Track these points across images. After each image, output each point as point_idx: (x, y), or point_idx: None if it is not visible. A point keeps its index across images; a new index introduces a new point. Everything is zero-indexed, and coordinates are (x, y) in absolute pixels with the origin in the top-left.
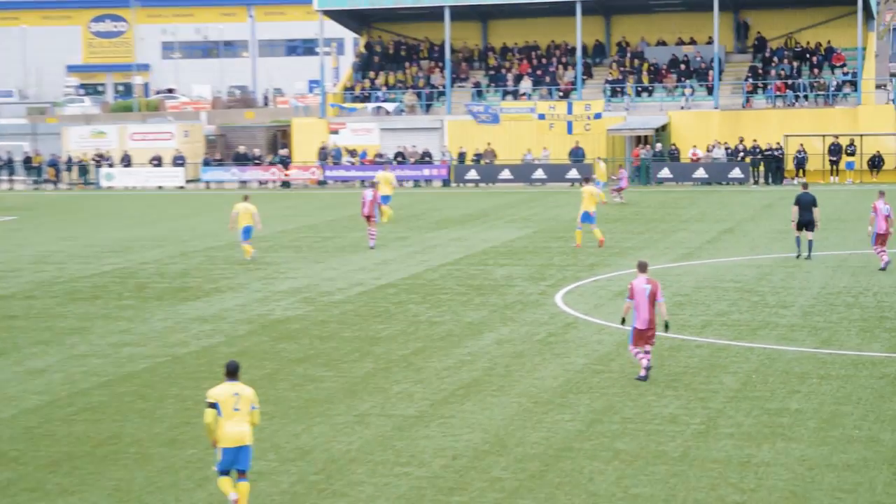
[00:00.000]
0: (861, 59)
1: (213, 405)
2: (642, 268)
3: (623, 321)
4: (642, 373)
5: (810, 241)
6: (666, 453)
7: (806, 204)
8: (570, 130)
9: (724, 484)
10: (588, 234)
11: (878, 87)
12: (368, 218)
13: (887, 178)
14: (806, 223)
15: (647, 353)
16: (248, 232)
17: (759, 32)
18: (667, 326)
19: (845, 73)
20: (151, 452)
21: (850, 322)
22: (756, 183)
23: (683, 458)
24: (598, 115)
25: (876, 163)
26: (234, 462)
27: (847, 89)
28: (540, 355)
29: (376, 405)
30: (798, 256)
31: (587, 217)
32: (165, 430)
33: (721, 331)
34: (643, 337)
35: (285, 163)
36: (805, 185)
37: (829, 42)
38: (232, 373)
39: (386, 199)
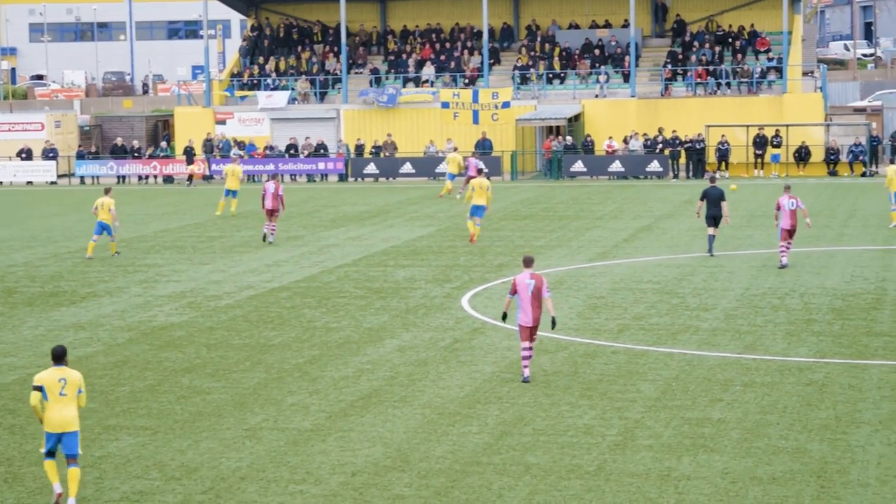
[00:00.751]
0: (787, 43)
1: (39, 388)
2: (527, 262)
3: (504, 317)
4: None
5: (711, 237)
6: (580, 467)
7: (714, 198)
8: (476, 120)
9: (643, 499)
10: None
11: (805, 73)
12: (271, 213)
13: (815, 172)
14: (713, 218)
15: (529, 349)
16: (104, 228)
17: (678, 15)
18: (553, 323)
19: (770, 59)
20: (23, 472)
21: (776, 325)
22: (676, 176)
23: (599, 472)
24: (506, 104)
25: (802, 155)
26: (62, 447)
27: (772, 76)
28: (445, 363)
29: (268, 418)
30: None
31: (476, 210)
32: (38, 447)
33: (639, 335)
34: (529, 334)
35: (190, 155)
36: (713, 179)
37: (752, 26)
38: (58, 357)
39: (233, 193)
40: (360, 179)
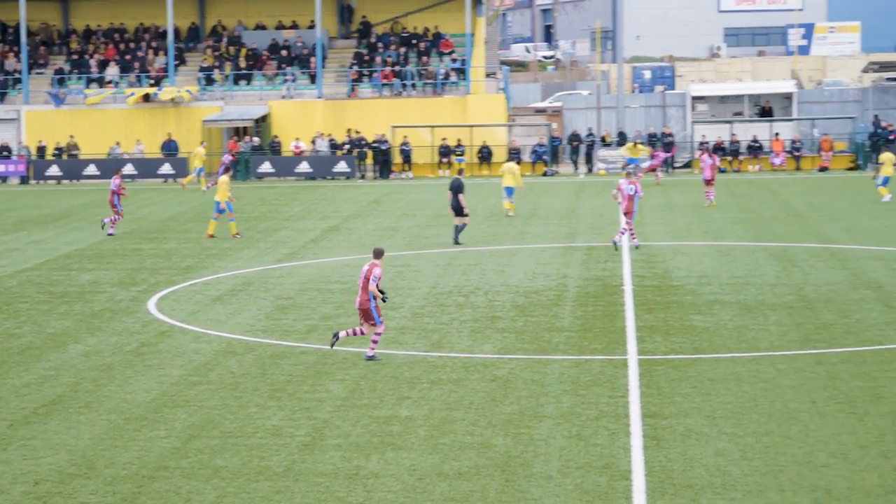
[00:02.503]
0: (470, 45)
1: None
2: (377, 254)
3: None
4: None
5: (456, 227)
6: (269, 468)
7: (453, 189)
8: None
9: (331, 498)
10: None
11: (487, 75)
12: None
13: (498, 171)
14: (455, 209)
15: (362, 333)
16: None
17: (364, 17)
18: (384, 299)
19: (454, 61)
20: None
21: (462, 323)
22: (363, 177)
23: (288, 473)
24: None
25: (485, 155)
26: None
27: (456, 77)
28: (132, 367)
29: None
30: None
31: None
32: None
33: (328, 335)
34: (360, 316)
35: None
36: (460, 172)
37: (437, 28)
38: None
39: None
40: (42, 182)
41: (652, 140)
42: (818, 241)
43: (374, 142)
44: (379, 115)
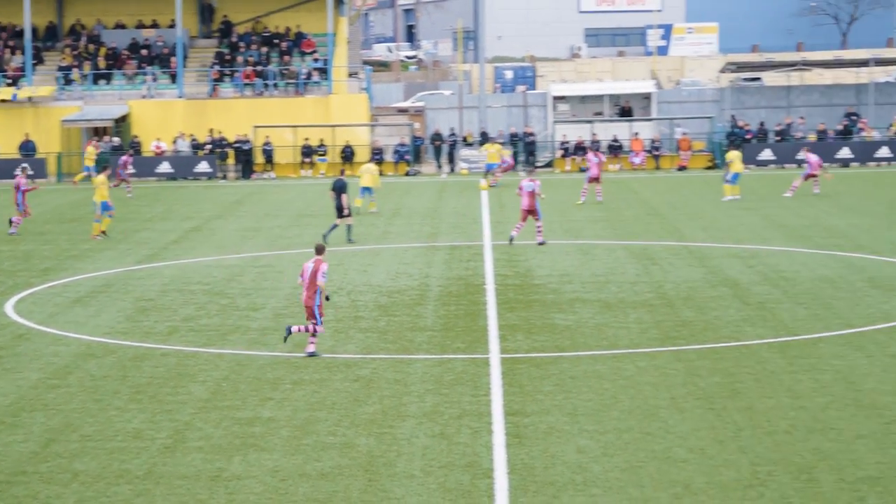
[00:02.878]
0: (332, 45)
1: None
2: (319, 250)
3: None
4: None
5: (334, 225)
6: (130, 472)
7: (336, 190)
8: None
9: (193, 501)
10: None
11: (350, 75)
12: None
13: (358, 172)
14: (337, 209)
15: (307, 330)
16: None
17: (225, 16)
18: (327, 298)
19: (316, 60)
20: None
21: (324, 323)
22: (225, 177)
23: (149, 476)
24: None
25: (348, 155)
26: None
27: (318, 77)
28: None
29: None
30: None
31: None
32: None
33: (189, 337)
34: (307, 314)
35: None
36: (342, 172)
37: (299, 27)
38: None
39: None
40: None
41: (514, 140)
42: (677, 239)
43: (236, 142)
44: (241, 114)
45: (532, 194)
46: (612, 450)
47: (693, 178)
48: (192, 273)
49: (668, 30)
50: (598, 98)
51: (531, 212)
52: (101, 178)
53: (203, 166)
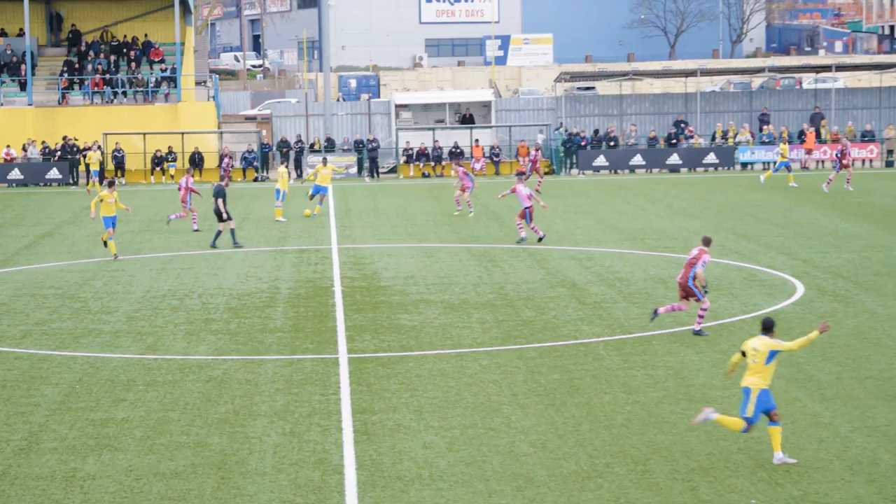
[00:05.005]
0: (180, 54)
1: None
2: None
3: None
4: None
5: (231, 230)
6: None
7: (216, 195)
8: None
9: (48, 501)
10: None
11: (198, 83)
12: None
13: (210, 177)
14: (217, 214)
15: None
16: None
17: (73, 25)
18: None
19: (164, 69)
20: None
21: (176, 326)
22: (76, 184)
23: (3, 478)
24: None
25: (196, 161)
26: None
27: (167, 86)
28: None
29: None
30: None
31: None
32: None
33: (42, 340)
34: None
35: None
36: (222, 178)
37: (146, 36)
38: None
39: None
40: None
41: (358, 146)
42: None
43: (86, 149)
44: (91, 122)
45: (529, 197)
46: (457, 445)
47: (531, 184)
48: (44, 278)
49: (505, 41)
50: (439, 106)
51: (527, 210)
52: None
53: (54, 173)
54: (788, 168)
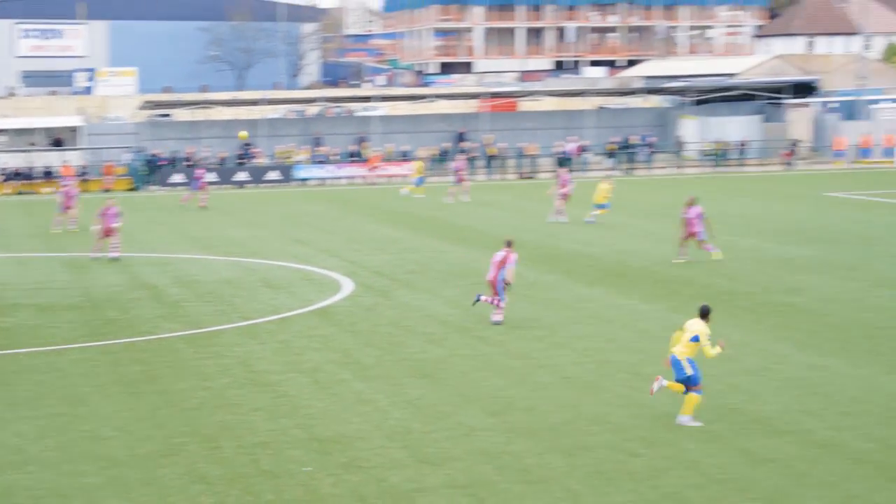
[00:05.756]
0: None
1: None
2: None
3: None
4: None
5: None
6: None
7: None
8: None
9: None
10: None
11: None
12: None
13: None
14: None
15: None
16: None
17: None
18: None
19: None
20: None
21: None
22: None
23: None
24: None
25: None
26: None
27: None
28: None
29: None
30: None
31: None
32: None
33: None
34: None
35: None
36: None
37: None
38: None
39: None
40: None
41: None
42: (100, 250)
43: None
44: None
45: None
46: (46, 432)
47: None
48: None
49: (92, 73)
50: (33, 131)
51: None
52: None
53: None
54: (421, 183)
